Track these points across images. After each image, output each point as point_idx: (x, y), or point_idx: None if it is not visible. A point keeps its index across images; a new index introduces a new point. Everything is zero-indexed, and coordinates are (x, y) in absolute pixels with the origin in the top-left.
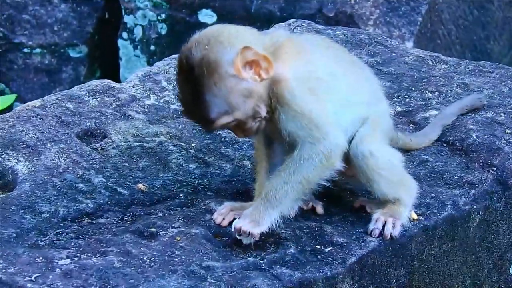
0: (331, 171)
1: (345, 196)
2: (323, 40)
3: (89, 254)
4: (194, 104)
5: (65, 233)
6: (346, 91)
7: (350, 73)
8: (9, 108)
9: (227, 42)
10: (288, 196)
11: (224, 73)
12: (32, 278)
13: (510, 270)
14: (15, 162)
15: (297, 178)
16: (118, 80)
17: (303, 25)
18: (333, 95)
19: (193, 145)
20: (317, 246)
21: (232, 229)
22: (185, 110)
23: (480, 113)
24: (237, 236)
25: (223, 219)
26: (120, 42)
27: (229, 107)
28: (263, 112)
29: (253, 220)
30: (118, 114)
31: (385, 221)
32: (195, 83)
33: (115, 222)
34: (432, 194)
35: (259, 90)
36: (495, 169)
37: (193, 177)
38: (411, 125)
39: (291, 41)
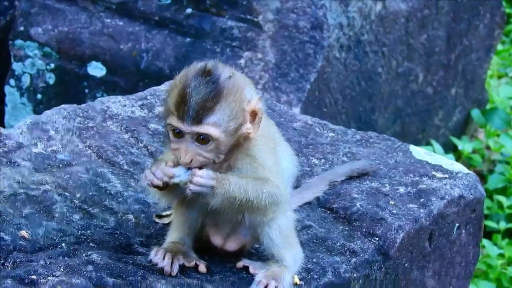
0: (268, 212)
1: (228, 256)
2: None
3: None
4: (200, 101)
5: None
6: (287, 160)
7: (288, 149)
8: None
9: (250, 84)
10: (233, 199)
11: (240, 102)
12: None
13: None
14: None
15: (251, 197)
16: (2, 127)
17: None
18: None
19: (78, 195)
20: None
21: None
22: (183, 103)
23: (365, 182)
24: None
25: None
26: (7, 88)
27: (224, 125)
28: (222, 158)
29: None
30: (4, 160)
31: (267, 284)
32: (215, 89)
33: None
34: (314, 260)
35: (238, 138)
36: (377, 238)
37: (77, 227)
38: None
39: None
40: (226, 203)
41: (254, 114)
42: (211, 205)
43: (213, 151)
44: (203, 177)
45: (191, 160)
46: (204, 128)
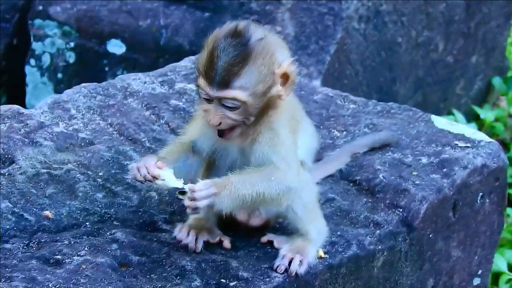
0: (282, 201)
1: (252, 232)
2: None
3: None
4: (227, 65)
5: None
6: (310, 135)
7: (310, 124)
8: None
9: (283, 47)
10: (243, 197)
11: (270, 65)
12: None
13: None
14: None
15: (260, 189)
16: (23, 107)
17: None
18: (300, 138)
19: (100, 174)
20: (222, 280)
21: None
22: (210, 67)
23: (387, 154)
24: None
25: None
26: (27, 68)
27: (251, 89)
28: (251, 119)
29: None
30: (26, 140)
31: (292, 258)
32: (243, 51)
33: (21, 248)
34: (338, 233)
35: (268, 100)
36: (400, 210)
37: (100, 206)
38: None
39: None
40: (237, 203)
41: (285, 77)
42: (224, 211)
43: (242, 113)
44: (202, 189)
45: (220, 122)
46: (230, 93)
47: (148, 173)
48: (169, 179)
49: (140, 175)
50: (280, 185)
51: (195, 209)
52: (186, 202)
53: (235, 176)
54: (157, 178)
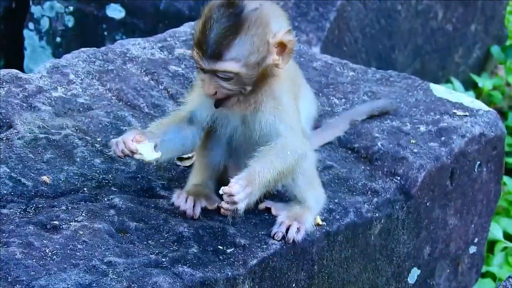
0: (295, 169)
1: None
2: None
3: None
4: (218, 37)
5: None
6: (308, 108)
7: (310, 91)
8: None
9: (280, 16)
10: (268, 183)
11: (264, 35)
12: None
13: (408, 279)
14: None
15: (280, 168)
16: (21, 70)
17: None
18: (300, 105)
19: (98, 139)
20: (219, 247)
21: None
22: (202, 39)
23: (386, 121)
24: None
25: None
26: (26, 32)
27: (243, 60)
28: (248, 89)
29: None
30: (24, 104)
31: (290, 225)
32: (236, 22)
33: (18, 213)
34: (336, 200)
35: (264, 69)
36: (398, 178)
37: (98, 171)
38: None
39: None
40: (264, 190)
41: (282, 46)
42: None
43: (236, 83)
44: (240, 192)
45: (215, 92)
46: (222, 65)
47: (126, 148)
48: (146, 153)
49: (119, 150)
50: (294, 155)
51: (236, 212)
52: (225, 205)
53: (256, 164)
54: (135, 153)
